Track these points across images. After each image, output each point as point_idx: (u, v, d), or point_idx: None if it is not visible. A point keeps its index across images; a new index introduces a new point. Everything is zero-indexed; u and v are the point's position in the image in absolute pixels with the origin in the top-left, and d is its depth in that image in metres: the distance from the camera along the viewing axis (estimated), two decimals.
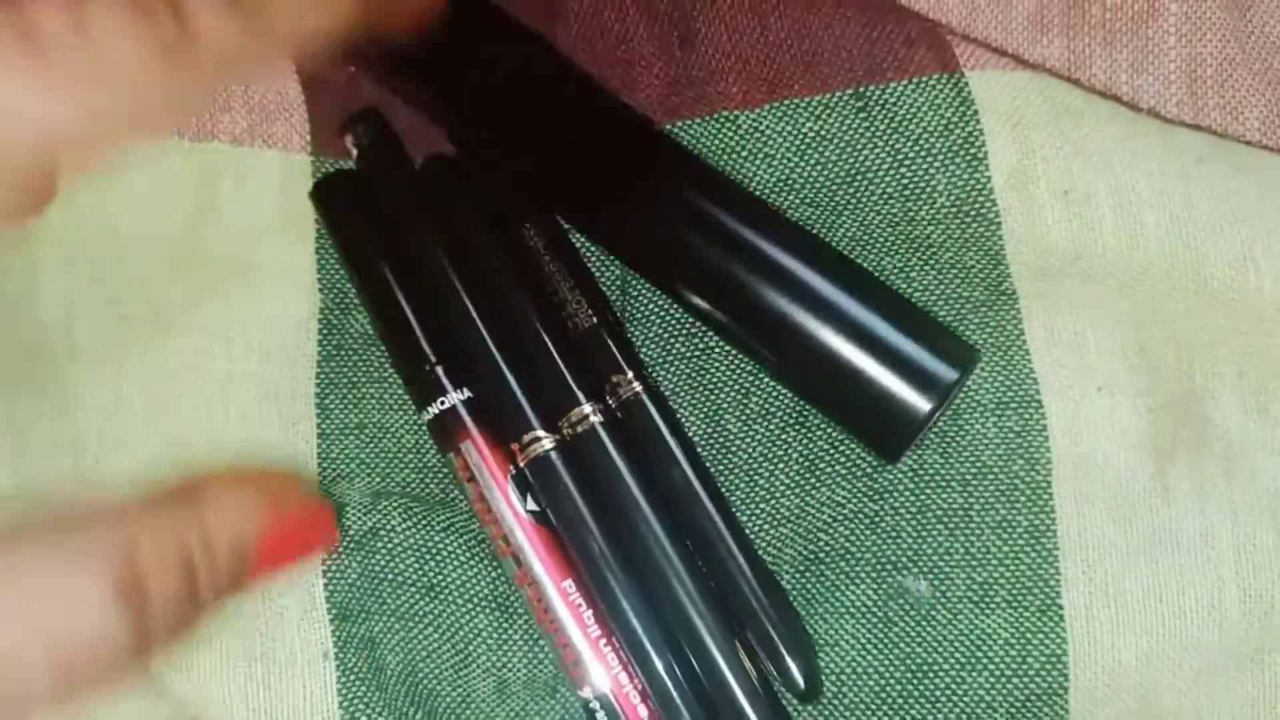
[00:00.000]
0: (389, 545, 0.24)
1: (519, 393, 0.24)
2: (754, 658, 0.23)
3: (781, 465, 0.25)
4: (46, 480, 0.25)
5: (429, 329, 0.24)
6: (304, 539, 0.20)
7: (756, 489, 0.25)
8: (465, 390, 0.24)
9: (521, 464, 0.24)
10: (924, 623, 0.24)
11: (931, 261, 0.24)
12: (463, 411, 0.24)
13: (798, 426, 0.24)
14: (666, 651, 0.23)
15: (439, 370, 0.24)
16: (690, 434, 0.25)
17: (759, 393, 0.25)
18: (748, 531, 0.25)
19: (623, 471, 0.24)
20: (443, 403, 0.24)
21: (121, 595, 0.16)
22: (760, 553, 0.24)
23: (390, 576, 0.24)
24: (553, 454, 0.24)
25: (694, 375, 0.25)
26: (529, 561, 0.23)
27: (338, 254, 0.26)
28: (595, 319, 0.24)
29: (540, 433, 0.24)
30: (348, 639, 0.24)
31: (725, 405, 0.25)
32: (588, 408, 0.24)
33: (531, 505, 0.24)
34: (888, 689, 0.24)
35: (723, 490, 0.25)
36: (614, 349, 0.24)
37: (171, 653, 0.17)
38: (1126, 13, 0.26)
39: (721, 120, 0.25)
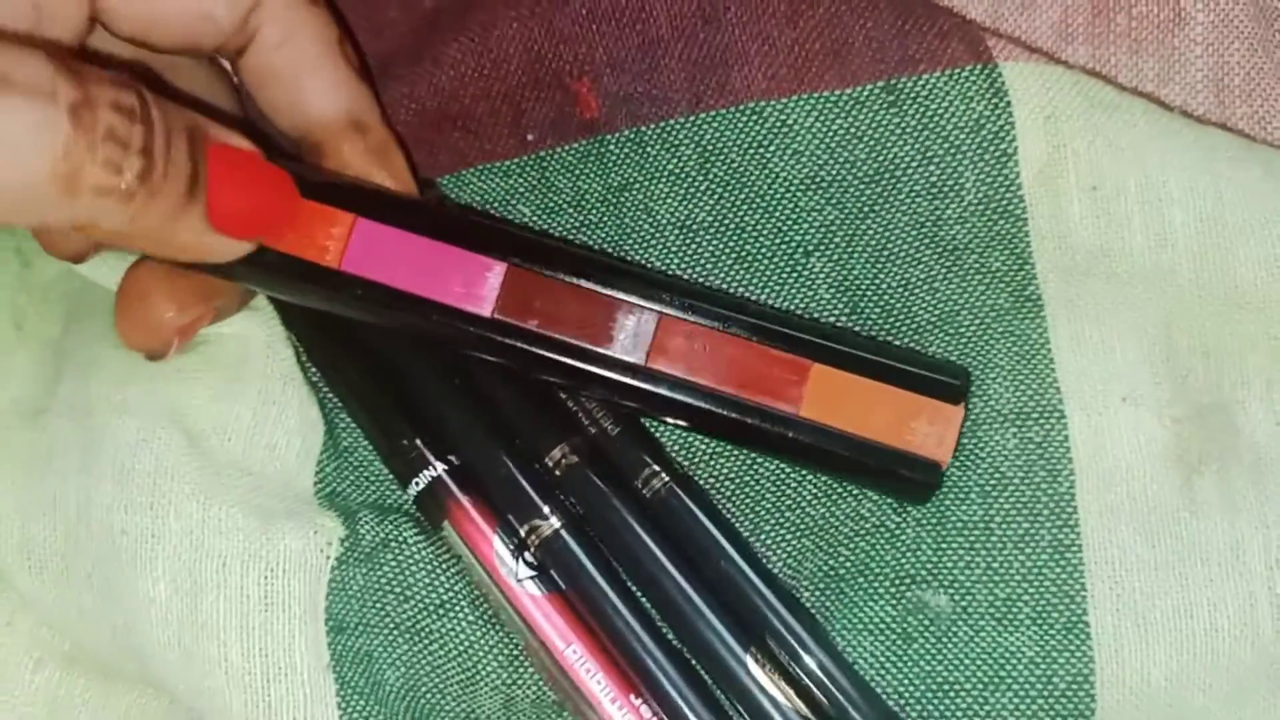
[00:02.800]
0: (399, 558, 0.24)
1: (519, 476, 0.24)
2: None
3: (809, 476, 0.24)
4: None
5: (404, 408, 0.25)
6: (257, 181, 0.21)
7: (784, 498, 0.24)
8: (434, 469, 0.24)
9: (533, 549, 0.23)
10: (945, 640, 0.23)
11: (956, 267, 0.24)
12: (448, 484, 0.24)
13: None
14: (710, 709, 0.23)
15: (419, 444, 0.24)
16: (716, 444, 0.25)
17: None
18: (773, 542, 0.24)
19: (642, 535, 0.24)
20: (417, 483, 0.24)
21: (52, 55, 0.17)
22: (780, 566, 0.24)
23: (396, 590, 0.24)
24: (563, 532, 0.23)
25: None
26: (548, 637, 0.23)
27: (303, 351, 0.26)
28: (618, 428, 0.24)
29: (545, 513, 0.24)
30: (343, 652, 0.23)
31: None
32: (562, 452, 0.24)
33: (525, 572, 0.23)
34: (907, 709, 0.23)
35: (750, 499, 0.25)
36: (640, 449, 0.25)
37: (118, 203, 0.18)
38: (1152, 21, 0.26)
39: (748, 113, 0.25)
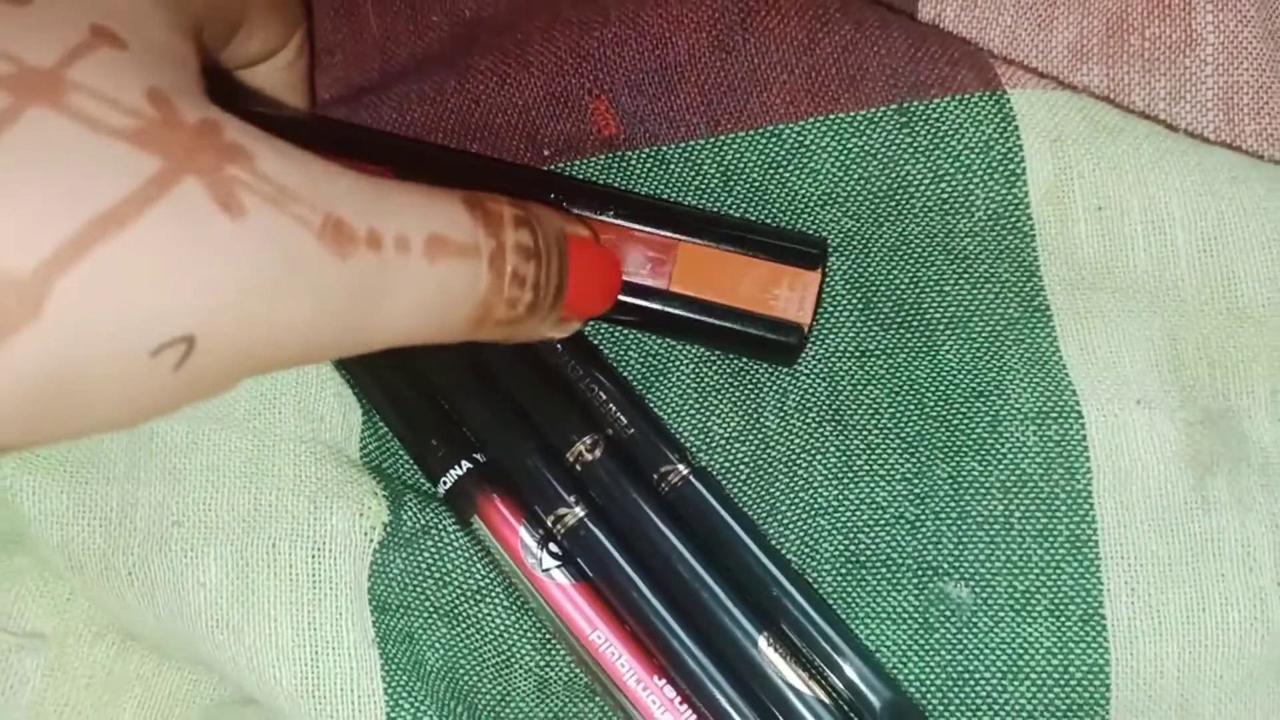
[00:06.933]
0: (438, 544, 0.25)
1: (544, 468, 0.25)
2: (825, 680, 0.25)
3: (820, 457, 0.26)
4: None
5: (431, 408, 0.26)
6: (602, 269, 0.22)
7: (796, 479, 0.26)
8: (461, 466, 0.25)
9: (559, 537, 0.25)
10: (965, 630, 0.24)
11: (967, 274, 0.25)
12: (476, 480, 0.25)
13: (834, 422, 0.25)
14: (731, 688, 0.24)
15: (446, 443, 0.26)
16: (732, 429, 0.27)
17: (795, 391, 0.26)
18: (788, 522, 0.26)
19: (660, 525, 0.25)
20: (445, 482, 0.26)
21: (468, 203, 0.18)
22: (799, 545, 0.26)
23: (435, 575, 0.25)
24: (587, 520, 0.25)
25: (735, 375, 0.26)
26: (575, 623, 0.25)
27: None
28: (633, 429, 0.26)
29: (570, 502, 0.25)
30: (387, 631, 0.25)
31: (764, 403, 0.26)
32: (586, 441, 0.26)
33: (550, 561, 0.25)
34: (928, 696, 0.24)
35: (764, 482, 0.26)
36: (659, 444, 0.26)
37: (526, 318, 0.20)
38: (1164, 42, 0.27)
39: (767, 135, 0.26)
